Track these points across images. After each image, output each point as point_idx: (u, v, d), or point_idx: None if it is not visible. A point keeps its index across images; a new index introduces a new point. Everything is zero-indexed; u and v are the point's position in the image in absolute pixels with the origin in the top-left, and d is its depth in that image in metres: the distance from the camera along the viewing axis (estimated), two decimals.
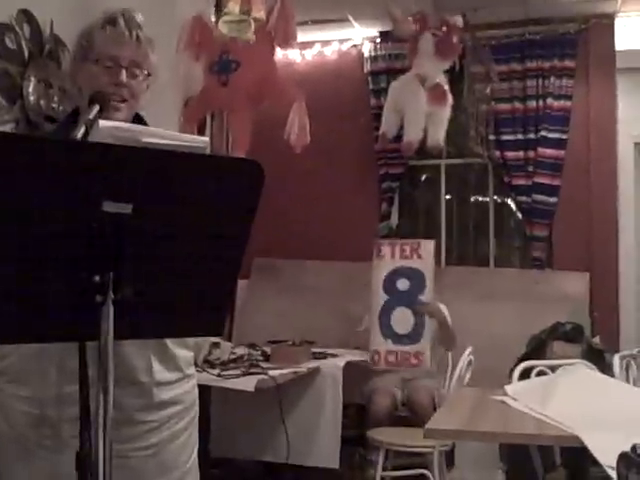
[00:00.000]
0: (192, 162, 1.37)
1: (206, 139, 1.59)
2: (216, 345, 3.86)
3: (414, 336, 4.80)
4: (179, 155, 1.36)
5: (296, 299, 5.87)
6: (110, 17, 1.87)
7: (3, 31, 3.97)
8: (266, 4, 4.35)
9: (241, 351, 4.18)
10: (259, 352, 4.32)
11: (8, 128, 4.03)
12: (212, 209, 1.36)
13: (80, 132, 1.66)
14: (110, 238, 1.30)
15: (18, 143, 1.28)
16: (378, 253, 4.96)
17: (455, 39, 5.44)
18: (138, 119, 1.94)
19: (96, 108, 1.72)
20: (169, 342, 1.86)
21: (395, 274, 4.90)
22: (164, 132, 1.48)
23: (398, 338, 4.81)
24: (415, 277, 4.86)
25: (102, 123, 1.50)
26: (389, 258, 4.93)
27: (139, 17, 1.91)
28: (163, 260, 1.38)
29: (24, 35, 4.13)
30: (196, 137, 1.60)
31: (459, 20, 5.42)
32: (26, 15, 4.13)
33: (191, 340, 2.00)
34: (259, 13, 4.19)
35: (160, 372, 1.83)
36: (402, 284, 4.88)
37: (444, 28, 5.42)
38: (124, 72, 1.83)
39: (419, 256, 4.87)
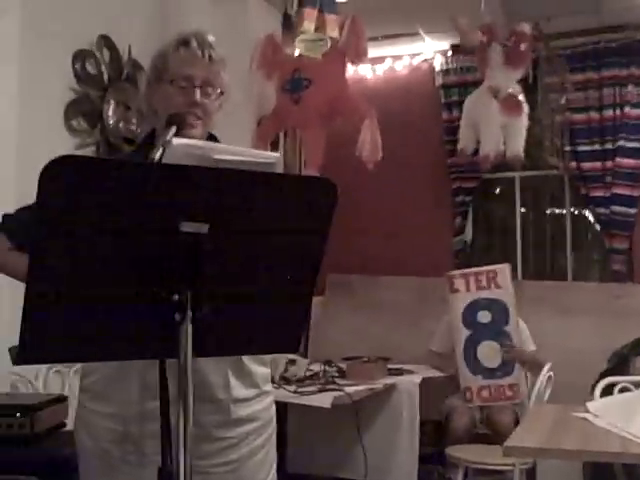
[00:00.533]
0: (267, 182, 1.38)
1: (277, 155, 1.61)
2: (292, 362, 3.88)
3: (505, 368, 4.61)
4: (254, 175, 1.38)
5: (371, 315, 5.86)
6: (183, 38, 1.92)
7: (84, 57, 4.12)
8: (338, 21, 4.38)
9: (317, 368, 4.18)
10: (335, 369, 4.31)
11: (89, 151, 4.17)
12: (287, 228, 1.37)
13: (158, 154, 1.70)
14: (188, 257, 1.33)
15: (99, 166, 1.32)
16: (452, 287, 4.73)
17: (524, 47, 5.37)
18: (212, 138, 1.97)
19: (173, 129, 1.76)
20: (245, 359, 1.88)
21: (474, 307, 4.67)
22: (236, 149, 1.51)
23: (489, 373, 4.61)
24: (497, 308, 4.64)
25: (175, 141, 1.54)
26: (464, 291, 4.70)
27: (211, 38, 1.95)
28: (240, 279, 1.40)
29: (104, 60, 4.28)
30: (268, 153, 1.62)
31: (526, 28, 5.36)
32: (106, 41, 4.27)
33: (268, 357, 2.02)
34: (333, 32, 4.24)
35: (237, 389, 1.85)
36: (484, 317, 4.65)
37: (513, 38, 5.36)
38: (198, 91, 1.87)
39: (497, 286, 4.65)
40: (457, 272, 4.81)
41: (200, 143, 1.61)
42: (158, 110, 1.93)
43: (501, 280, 4.62)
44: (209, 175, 1.34)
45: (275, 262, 1.40)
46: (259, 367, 1.94)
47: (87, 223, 1.27)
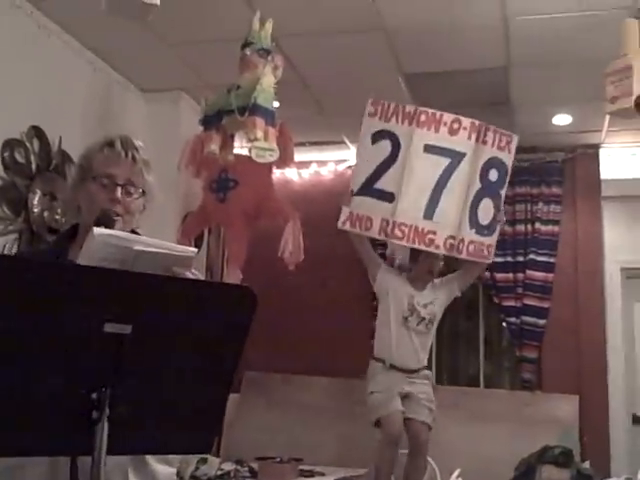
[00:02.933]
0: (188, 287, 1.45)
1: (195, 250, 1.67)
2: (204, 460, 3.85)
3: (490, 228, 4.53)
4: (176, 280, 1.45)
5: (285, 414, 5.84)
6: (109, 140, 2.00)
7: (13, 146, 4.17)
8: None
9: (228, 467, 4.16)
10: (246, 468, 4.29)
11: (11, 238, 4.15)
12: (206, 331, 1.43)
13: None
14: (109, 357, 1.37)
15: (23, 266, 1.37)
16: (484, 138, 4.47)
17: None
18: (134, 234, 2.02)
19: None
20: (149, 457, 1.82)
21: (491, 163, 4.52)
22: (156, 241, 1.57)
23: (480, 229, 4.50)
24: (502, 170, 4.55)
25: (96, 231, 1.57)
26: (490, 146, 4.50)
27: (138, 142, 2.03)
28: (158, 378, 1.45)
29: (33, 150, 4.32)
30: (186, 247, 1.68)
31: None
32: (36, 131, 4.33)
33: (177, 455, 1.99)
34: (252, 133, 4.37)
35: None
36: (493, 175, 4.53)
37: None
38: (119, 189, 1.94)
39: (509, 150, 4.56)
40: (492, 126, 4.56)
41: (121, 234, 1.65)
42: (82, 207, 1.98)
43: (512, 147, 4.56)
44: (133, 279, 1.40)
45: (192, 363, 1.45)
46: (163, 466, 1.87)
47: (11, 318, 1.30)
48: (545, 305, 5.99)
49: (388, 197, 4.41)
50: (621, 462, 5.71)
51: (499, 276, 6.11)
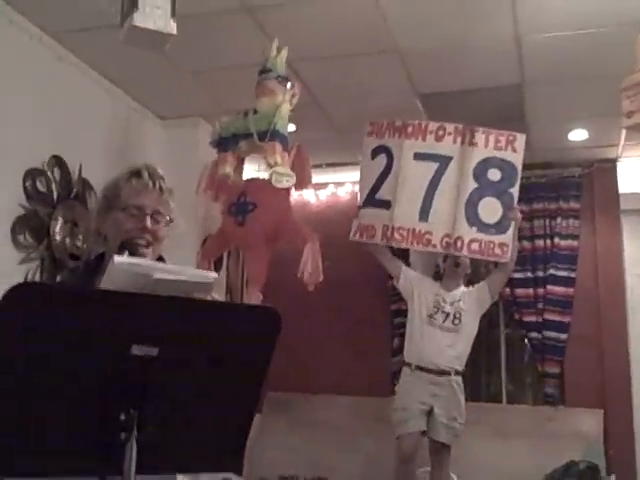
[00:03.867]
0: (214, 309, 1.49)
1: (215, 274, 1.71)
2: None
3: (500, 227, 4.49)
4: (202, 302, 1.49)
5: (307, 434, 5.85)
6: (136, 170, 2.05)
7: (35, 176, 4.25)
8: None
9: None
10: None
11: (34, 266, 4.22)
12: (233, 353, 1.47)
13: None
14: (137, 379, 1.41)
15: (51, 292, 1.42)
16: (471, 140, 4.58)
17: None
18: (160, 259, 2.07)
19: (125, 254, 1.87)
20: (180, 478, 1.89)
21: (487, 163, 4.55)
22: (175, 268, 1.61)
23: (484, 227, 4.49)
24: (508, 170, 4.53)
25: (117, 259, 1.60)
26: (483, 146, 4.57)
27: (160, 170, 2.09)
28: (185, 399, 1.48)
29: (54, 178, 4.40)
30: (206, 273, 1.72)
31: None
32: (57, 160, 4.42)
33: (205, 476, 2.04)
34: (272, 158, 4.51)
35: None
36: (494, 174, 4.54)
37: None
38: (149, 219, 1.99)
39: (514, 149, 4.54)
40: (480, 128, 4.65)
41: (141, 261, 1.69)
42: (108, 235, 2.03)
43: (518, 146, 4.54)
44: (158, 301, 1.44)
45: (219, 385, 1.49)
46: None
47: (42, 342, 1.35)
48: (566, 320, 5.98)
49: (386, 205, 4.65)
50: None
51: (519, 292, 6.11)
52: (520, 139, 4.55)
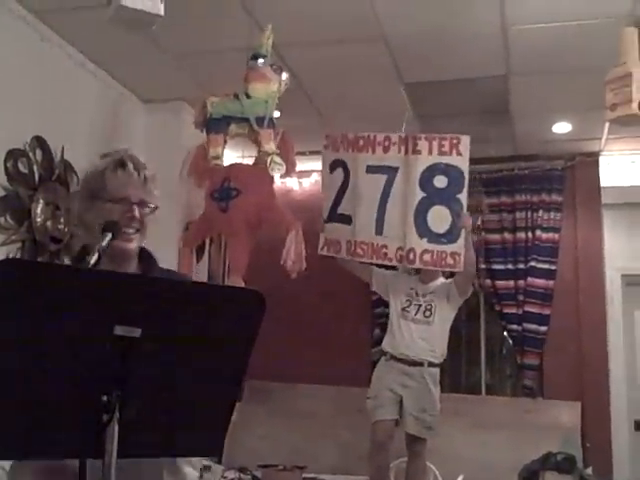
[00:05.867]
0: (198, 290, 1.47)
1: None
2: (207, 468, 3.85)
3: (451, 236, 4.47)
4: (186, 284, 1.47)
5: (287, 423, 5.85)
6: (120, 160, 2.03)
7: (16, 156, 4.19)
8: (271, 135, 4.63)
9: (232, 475, 4.17)
10: (250, 476, 4.31)
11: (14, 248, 4.17)
12: (216, 335, 1.45)
13: (94, 259, 1.78)
14: (119, 360, 1.39)
15: (35, 270, 1.39)
16: (414, 148, 4.53)
17: None
18: (145, 253, 2.07)
19: (108, 236, 1.85)
20: (179, 461, 1.95)
21: (433, 170, 4.50)
22: None
23: (435, 237, 4.48)
24: (454, 175, 4.48)
25: None
26: (426, 154, 4.51)
27: (141, 159, 2.09)
28: (167, 380, 1.46)
29: (36, 160, 4.34)
30: None
31: None
32: (39, 141, 4.36)
33: (195, 459, 2.06)
34: (268, 145, 4.52)
35: None
36: (440, 182, 4.50)
37: None
38: (136, 208, 1.98)
39: (459, 153, 4.46)
40: (423, 135, 4.62)
41: None
42: (91, 226, 2.00)
43: (462, 148, 4.48)
44: (143, 283, 1.42)
45: (202, 367, 1.47)
46: (190, 469, 2.00)
47: (23, 321, 1.32)
48: (546, 312, 6.02)
49: (347, 220, 4.73)
50: (623, 468, 5.72)
51: (500, 283, 6.14)
52: (464, 141, 4.47)
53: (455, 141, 4.47)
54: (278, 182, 5.36)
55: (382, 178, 4.61)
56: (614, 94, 3.89)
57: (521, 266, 6.11)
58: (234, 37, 4.40)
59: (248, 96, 4.44)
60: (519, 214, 6.17)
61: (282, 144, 4.64)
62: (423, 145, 4.52)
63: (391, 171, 4.60)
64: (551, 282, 6.05)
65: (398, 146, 4.58)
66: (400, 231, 4.56)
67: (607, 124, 5.21)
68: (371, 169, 4.66)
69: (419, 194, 4.52)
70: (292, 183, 6.48)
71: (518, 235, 6.16)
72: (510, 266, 6.14)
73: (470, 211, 4.64)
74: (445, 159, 4.48)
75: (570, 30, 4.31)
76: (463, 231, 4.46)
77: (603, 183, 6.14)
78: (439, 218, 4.49)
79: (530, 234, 6.13)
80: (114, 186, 1.99)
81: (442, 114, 5.47)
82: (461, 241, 4.47)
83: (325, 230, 4.84)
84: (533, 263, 6.08)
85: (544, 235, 6.11)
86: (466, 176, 4.49)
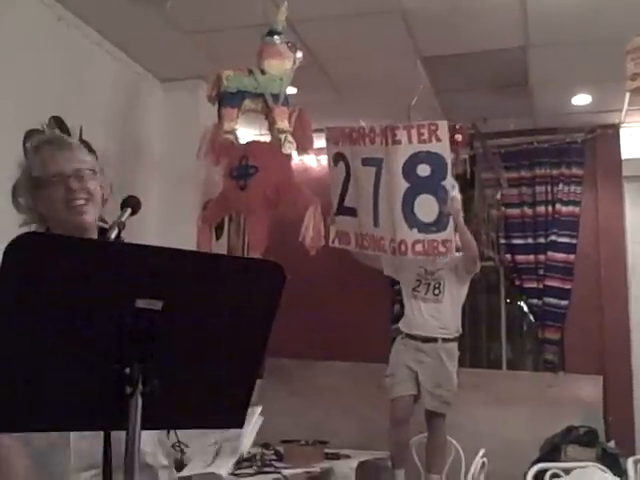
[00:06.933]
0: (219, 263, 1.47)
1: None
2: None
3: (440, 224, 4.51)
4: (207, 256, 1.47)
5: (308, 399, 5.88)
6: (41, 141, 2.04)
7: (34, 136, 4.18)
8: (287, 113, 4.61)
9: (254, 450, 4.18)
10: (272, 451, 4.32)
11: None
12: (237, 307, 1.45)
13: (114, 234, 1.79)
14: (141, 332, 1.39)
15: (57, 243, 1.40)
16: (394, 138, 4.54)
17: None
18: (103, 231, 1.97)
19: (128, 211, 1.85)
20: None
21: (414, 159, 4.52)
22: None
23: (424, 226, 4.52)
24: (436, 162, 4.49)
25: None
26: (406, 143, 4.52)
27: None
28: (190, 354, 1.47)
29: None
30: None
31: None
32: (57, 121, 4.36)
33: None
34: (283, 122, 4.52)
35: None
36: (423, 170, 4.51)
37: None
38: (71, 180, 1.94)
39: (438, 139, 4.46)
40: (401, 124, 4.62)
41: None
42: (45, 214, 1.98)
43: (441, 134, 4.47)
44: (165, 254, 1.42)
45: (224, 340, 1.47)
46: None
47: (46, 295, 1.33)
48: (567, 286, 5.99)
49: (353, 212, 4.84)
50: None
51: (520, 258, 6.11)
52: (442, 127, 4.48)
53: (433, 127, 4.49)
54: (296, 159, 5.35)
55: (372, 170, 4.69)
56: (635, 64, 3.85)
57: (541, 240, 6.08)
58: (250, 14, 4.37)
59: (263, 72, 4.43)
60: (539, 188, 6.12)
61: (299, 122, 4.62)
62: (402, 134, 4.53)
63: (377, 162, 4.66)
64: (572, 256, 6.01)
65: (381, 137, 4.61)
66: (391, 223, 4.63)
67: (627, 95, 5.14)
68: (365, 161, 4.74)
69: (404, 185, 4.56)
70: (310, 160, 6.46)
71: (538, 209, 6.12)
72: (530, 240, 6.10)
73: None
74: (425, 147, 4.50)
75: (589, 0, 4.25)
76: (451, 218, 4.49)
77: (624, 155, 6.07)
78: (426, 207, 4.53)
79: (550, 208, 6.09)
80: (42, 167, 1.95)
81: (460, 88, 5.42)
82: (450, 228, 4.50)
83: (336, 222, 4.96)
84: (553, 237, 6.04)
85: (564, 209, 6.06)
86: (448, 162, 4.50)
